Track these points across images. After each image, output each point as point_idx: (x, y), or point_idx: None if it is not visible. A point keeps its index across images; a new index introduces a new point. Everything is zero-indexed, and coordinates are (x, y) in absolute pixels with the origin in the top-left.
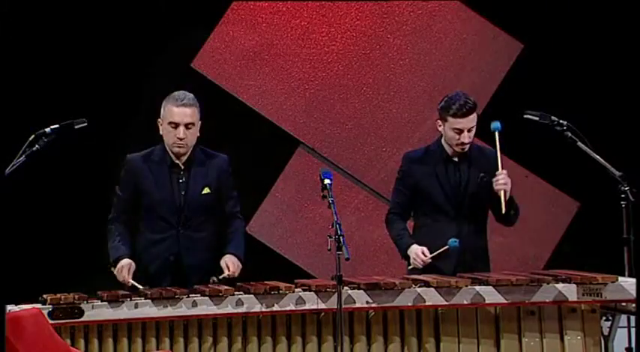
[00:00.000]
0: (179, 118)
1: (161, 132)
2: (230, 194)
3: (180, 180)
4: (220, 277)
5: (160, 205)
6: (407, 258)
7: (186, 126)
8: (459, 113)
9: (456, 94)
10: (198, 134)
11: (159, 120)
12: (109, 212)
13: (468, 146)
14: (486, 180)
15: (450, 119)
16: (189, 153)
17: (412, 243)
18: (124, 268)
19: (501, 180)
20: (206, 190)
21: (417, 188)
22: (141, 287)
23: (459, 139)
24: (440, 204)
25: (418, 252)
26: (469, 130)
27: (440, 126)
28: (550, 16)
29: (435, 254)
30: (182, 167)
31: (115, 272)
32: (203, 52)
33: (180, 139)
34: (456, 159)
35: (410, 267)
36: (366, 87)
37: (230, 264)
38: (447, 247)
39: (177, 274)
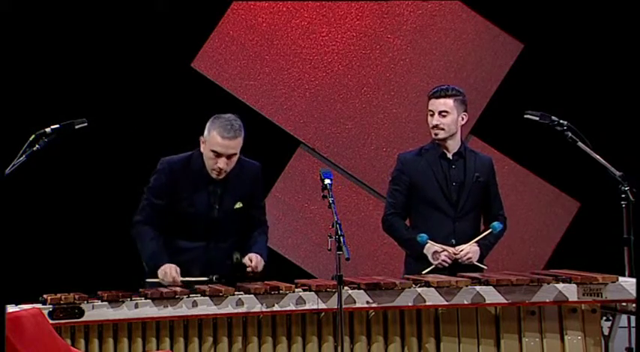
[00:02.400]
0: (223, 150)
1: (202, 150)
2: (259, 203)
3: (216, 193)
4: (246, 267)
5: (195, 217)
6: (423, 257)
7: (229, 156)
8: (432, 94)
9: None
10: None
11: (201, 137)
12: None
13: (441, 133)
14: (481, 180)
15: (429, 102)
16: None
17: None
18: (172, 269)
19: (466, 257)
20: (239, 205)
21: (412, 186)
22: (194, 279)
23: (431, 122)
24: (436, 201)
25: (443, 252)
26: (441, 114)
27: None
28: (550, 16)
29: (475, 240)
30: (218, 179)
31: (160, 275)
32: (203, 52)
33: (221, 168)
34: (450, 157)
35: (431, 268)
36: (366, 87)
37: (253, 257)
38: (489, 231)
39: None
